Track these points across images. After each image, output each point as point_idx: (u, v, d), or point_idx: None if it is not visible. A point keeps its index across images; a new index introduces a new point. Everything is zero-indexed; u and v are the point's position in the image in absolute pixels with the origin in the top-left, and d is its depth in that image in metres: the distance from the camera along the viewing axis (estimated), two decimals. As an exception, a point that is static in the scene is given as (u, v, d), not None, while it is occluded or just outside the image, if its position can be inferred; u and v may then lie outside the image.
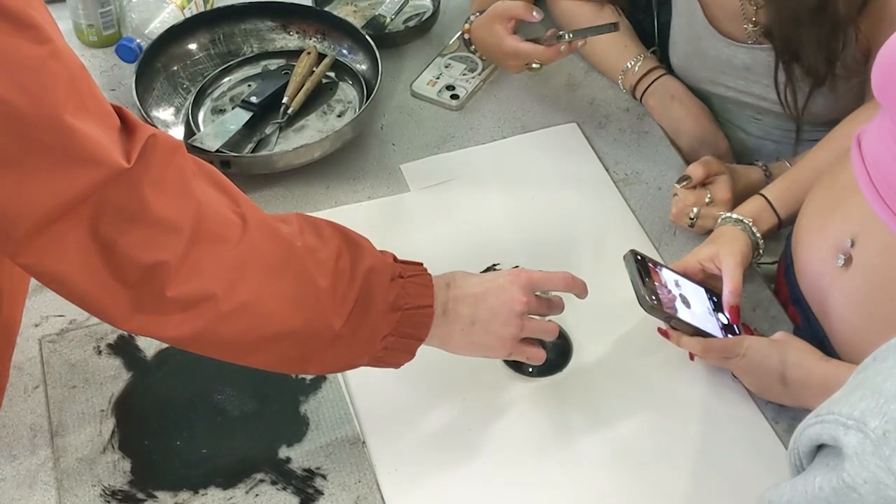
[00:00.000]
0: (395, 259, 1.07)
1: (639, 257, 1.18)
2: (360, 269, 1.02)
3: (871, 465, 0.63)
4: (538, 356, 1.14)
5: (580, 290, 1.16)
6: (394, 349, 1.06)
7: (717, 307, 1.21)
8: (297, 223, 1.02)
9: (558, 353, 1.21)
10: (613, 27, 1.41)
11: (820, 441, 0.68)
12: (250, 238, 0.96)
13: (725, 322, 1.19)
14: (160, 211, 0.90)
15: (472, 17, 1.54)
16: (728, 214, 1.28)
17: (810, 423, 0.69)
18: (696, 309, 1.18)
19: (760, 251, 1.27)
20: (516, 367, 1.20)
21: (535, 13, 1.43)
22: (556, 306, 1.16)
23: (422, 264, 1.09)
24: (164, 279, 0.91)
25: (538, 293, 1.14)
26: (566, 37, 1.41)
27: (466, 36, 1.55)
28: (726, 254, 1.22)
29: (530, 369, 1.20)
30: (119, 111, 0.92)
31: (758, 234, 1.26)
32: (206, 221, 0.93)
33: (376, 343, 1.04)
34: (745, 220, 1.26)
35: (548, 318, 1.16)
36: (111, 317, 0.94)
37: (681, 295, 1.18)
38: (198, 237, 0.92)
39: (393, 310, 1.04)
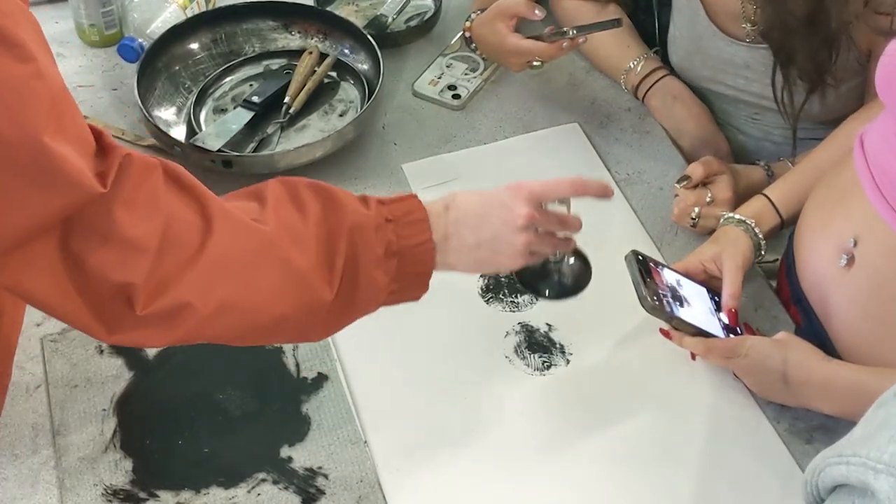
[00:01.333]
0: (380, 202, 1.03)
1: (640, 257, 1.18)
2: (342, 232, 0.99)
3: None
4: (553, 250, 1.12)
5: (595, 190, 1.11)
6: (401, 292, 1.04)
7: (719, 307, 1.21)
8: (273, 198, 1.00)
9: (576, 276, 1.18)
10: (616, 23, 1.40)
11: (846, 482, 0.68)
12: (218, 239, 0.94)
13: (727, 322, 1.19)
14: (130, 231, 0.89)
15: (473, 15, 1.54)
16: (730, 214, 1.28)
17: (833, 462, 0.69)
18: (697, 309, 1.18)
19: (762, 252, 1.27)
20: (533, 289, 1.18)
21: (537, 11, 1.43)
22: (570, 222, 1.11)
23: (413, 196, 1.05)
24: (134, 298, 0.90)
25: (549, 206, 1.09)
26: (569, 33, 1.41)
27: (467, 34, 1.55)
28: (728, 256, 1.22)
29: (547, 292, 1.18)
30: (95, 132, 0.91)
31: (760, 235, 1.26)
32: (174, 232, 0.92)
33: (379, 295, 1.03)
34: (747, 221, 1.26)
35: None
36: (92, 333, 0.94)
37: (682, 295, 1.18)
38: (165, 251, 0.91)
39: (387, 257, 1.01)
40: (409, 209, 1.03)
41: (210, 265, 0.93)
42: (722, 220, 1.29)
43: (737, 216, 1.27)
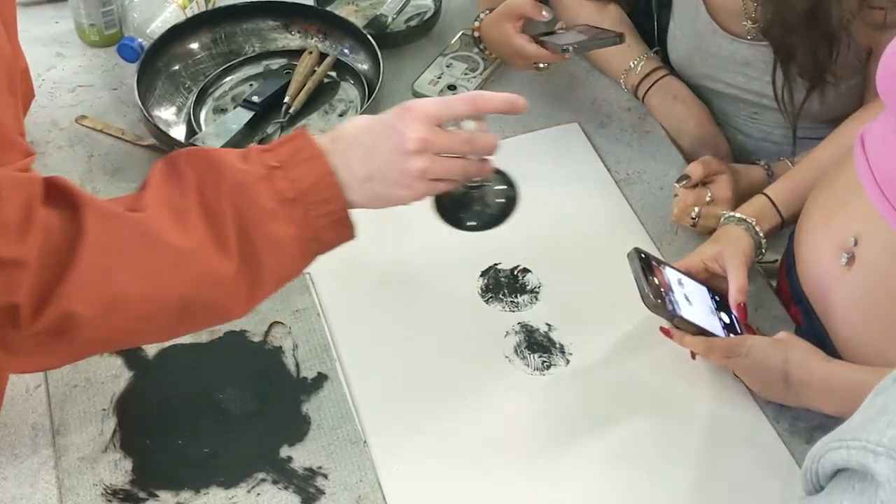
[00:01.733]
0: (263, 150, 0.97)
1: (642, 255, 1.18)
2: (223, 195, 0.94)
3: None
4: (464, 176, 1.00)
5: (499, 105, 0.99)
6: (322, 238, 0.97)
7: (720, 307, 1.21)
8: (153, 180, 0.96)
9: (500, 204, 1.08)
10: (619, 39, 1.41)
11: (847, 466, 0.68)
12: (90, 238, 0.90)
13: (727, 321, 1.19)
14: (6, 252, 0.86)
15: (482, 15, 1.56)
16: (731, 214, 1.28)
17: (833, 447, 0.69)
18: (698, 308, 1.18)
19: (763, 250, 1.27)
20: (453, 221, 1.08)
21: (544, 12, 1.46)
22: (479, 142, 0.99)
23: (301, 134, 0.98)
24: (20, 318, 0.88)
25: (452, 126, 0.99)
26: (570, 49, 1.41)
27: (476, 34, 1.56)
28: (730, 254, 1.23)
29: (469, 223, 1.08)
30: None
31: (760, 234, 1.26)
32: (50, 244, 0.88)
33: (289, 249, 0.96)
34: (747, 220, 1.26)
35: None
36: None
37: (684, 293, 1.18)
38: (43, 265, 0.88)
39: (285, 206, 0.95)
40: (297, 149, 0.96)
41: (86, 267, 0.89)
42: (723, 219, 1.29)
43: (737, 215, 1.27)
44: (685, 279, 1.21)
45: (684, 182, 1.34)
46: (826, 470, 0.70)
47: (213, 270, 0.93)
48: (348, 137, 0.98)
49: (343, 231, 0.99)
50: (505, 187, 1.09)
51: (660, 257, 1.26)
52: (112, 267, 0.91)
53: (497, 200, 1.08)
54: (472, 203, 1.07)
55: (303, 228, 0.96)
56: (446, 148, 0.98)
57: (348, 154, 0.97)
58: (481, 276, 1.30)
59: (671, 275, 1.20)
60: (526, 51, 1.45)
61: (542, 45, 1.45)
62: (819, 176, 1.25)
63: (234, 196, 0.94)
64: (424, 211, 1.38)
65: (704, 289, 1.22)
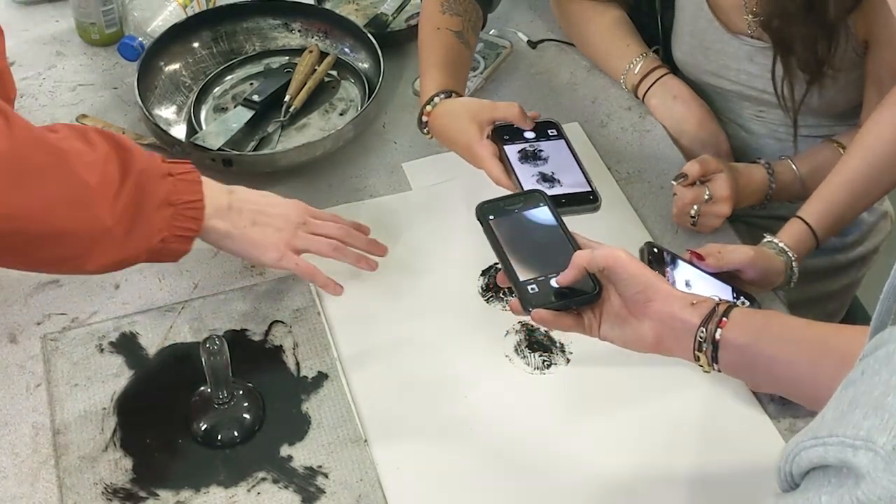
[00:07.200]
0: (163, 160, 1.14)
1: (655, 249, 1.19)
2: (132, 170, 1.08)
3: (885, 481, 0.64)
4: (308, 268, 1.22)
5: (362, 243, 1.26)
6: (170, 243, 1.12)
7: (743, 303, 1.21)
8: (63, 130, 1.08)
9: (250, 419, 1.14)
10: (593, 207, 1.30)
11: (825, 463, 0.68)
12: (14, 143, 1.01)
13: None
14: None
15: (437, 99, 1.36)
16: (771, 239, 1.28)
17: (808, 445, 0.69)
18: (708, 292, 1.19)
19: (792, 283, 1.28)
20: (208, 441, 1.13)
21: (529, 114, 1.32)
22: (352, 235, 1.27)
23: (188, 162, 1.16)
24: None
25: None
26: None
27: (425, 118, 1.38)
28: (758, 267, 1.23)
29: (223, 439, 1.12)
30: None
31: (795, 266, 1.27)
32: None
33: (153, 238, 1.11)
34: (788, 252, 1.27)
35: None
36: None
37: (686, 280, 1.19)
38: None
39: (165, 205, 1.11)
40: (187, 169, 1.15)
41: (5, 167, 1.00)
42: (764, 240, 1.29)
43: (780, 244, 1.28)
44: (702, 275, 1.21)
45: (681, 180, 1.34)
46: (801, 468, 0.70)
47: (97, 218, 1.06)
48: (243, 195, 1.20)
49: (180, 248, 1.15)
50: (249, 404, 1.15)
51: (674, 252, 1.26)
52: (25, 178, 1.02)
53: (244, 415, 1.14)
54: (223, 420, 1.13)
55: (164, 227, 1.11)
56: (320, 229, 1.24)
57: (243, 202, 1.19)
58: (482, 275, 1.30)
59: (685, 270, 1.20)
60: (485, 165, 1.29)
61: (503, 155, 1.31)
62: (851, 191, 1.25)
63: (140, 176, 1.09)
64: (425, 210, 1.39)
65: (729, 289, 1.22)
